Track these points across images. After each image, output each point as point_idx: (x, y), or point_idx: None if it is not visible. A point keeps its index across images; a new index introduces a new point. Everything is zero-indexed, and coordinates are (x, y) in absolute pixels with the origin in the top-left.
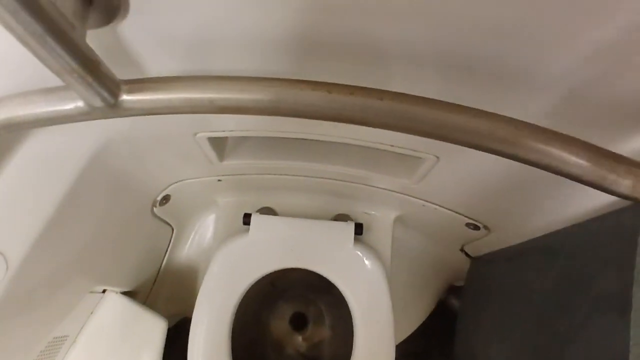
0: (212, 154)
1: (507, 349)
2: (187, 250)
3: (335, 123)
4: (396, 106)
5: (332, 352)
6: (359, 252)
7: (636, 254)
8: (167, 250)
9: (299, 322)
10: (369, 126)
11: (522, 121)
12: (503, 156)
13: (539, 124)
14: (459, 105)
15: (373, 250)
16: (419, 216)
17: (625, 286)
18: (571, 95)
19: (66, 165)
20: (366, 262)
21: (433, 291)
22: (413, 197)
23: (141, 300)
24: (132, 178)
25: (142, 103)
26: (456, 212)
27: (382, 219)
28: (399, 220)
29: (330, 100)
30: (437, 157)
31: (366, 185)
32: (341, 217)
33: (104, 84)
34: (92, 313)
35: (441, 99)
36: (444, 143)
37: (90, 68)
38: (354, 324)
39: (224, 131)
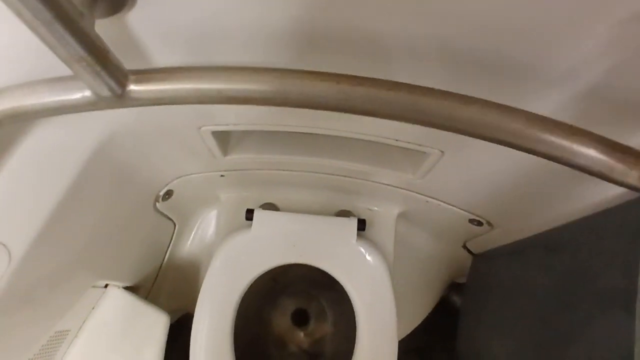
0: (215, 148)
1: (509, 344)
2: (189, 246)
3: (340, 116)
4: (404, 97)
5: (334, 348)
6: (361, 248)
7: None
8: (169, 246)
9: (300, 318)
10: (377, 117)
11: (531, 112)
12: (512, 147)
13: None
14: (467, 96)
15: (376, 246)
16: (422, 212)
17: (630, 281)
18: (579, 91)
19: (70, 158)
20: (369, 257)
21: (435, 288)
22: (416, 193)
23: (143, 295)
24: (136, 172)
25: (149, 93)
26: (459, 209)
27: (385, 215)
28: (401, 216)
29: (338, 90)
30: (442, 152)
31: (369, 181)
32: (344, 213)
33: (112, 73)
34: (94, 308)
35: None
36: (449, 137)
37: (99, 57)
38: (356, 320)
39: (228, 125)
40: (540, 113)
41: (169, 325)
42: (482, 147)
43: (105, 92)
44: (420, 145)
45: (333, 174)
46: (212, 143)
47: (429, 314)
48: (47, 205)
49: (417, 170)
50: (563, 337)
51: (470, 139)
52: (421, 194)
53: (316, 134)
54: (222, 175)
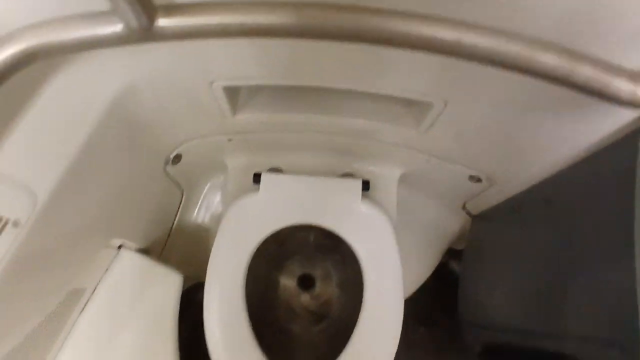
0: (225, 105)
1: (510, 294)
2: (196, 214)
3: (349, 68)
4: (417, 26)
5: (340, 310)
6: (366, 207)
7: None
8: (176, 214)
9: (307, 282)
10: (393, 46)
11: (526, 35)
12: (513, 69)
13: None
14: (470, 24)
15: (380, 206)
16: (423, 173)
17: (626, 221)
18: (573, 13)
19: (89, 107)
20: (374, 216)
21: (434, 252)
22: (418, 151)
23: None
24: (148, 130)
25: (176, 28)
26: (460, 165)
27: (387, 178)
28: (402, 180)
29: (356, 19)
30: (445, 102)
31: (372, 140)
32: (347, 176)
33: (142, 5)
34: (107, 269)
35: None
36: (453, 87)
37: None
38: (363, 278)
39: (239, 79)
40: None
41: (182, 284)
42: (485, 94)
43: (135, 26)
44: (424, 95)
45: (338, 134)
46: (222, 100)
47: (429, 281)
48: (69, 153)
49: (419, 124)
50: (563, 282)
51: (474, 87)
52: (422, 152)
53: (324, 89)
54: (229, 140)
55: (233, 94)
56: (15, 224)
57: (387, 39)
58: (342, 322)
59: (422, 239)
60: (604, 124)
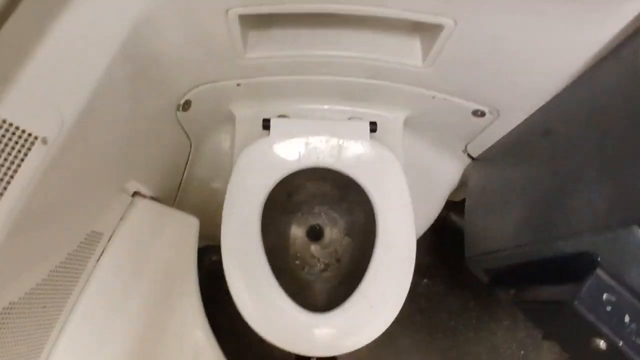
0: (238, 39)
1: (510, 220)
2: (205, 167)
3: None
4: None
5: (350, 256)
6: (375, 146)
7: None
8: (185, 167)
9: (316, 233)
10: None
11: None
12: None
13: None
14: None
15: (387, 146)
16: (427, 115)
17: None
18: None
19: (110, 34)
20: (383, 155)
21: (438, 198)
22: (424, 87)
23: None
24: (161, 69)
25: None
26: (464, 99)
27: (393, 121)
28: (407, 124)
29: None
30: (455, 22)
31: (379, 79)
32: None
33: None
34: (123, 216)
35: None
36: (464, 3)
37: None
38: (375, 215)
39: (254, 4)
40: None
41: (199, 227)
42: (494, 10)
43: None
44: (434, 14)
45: (345, 74)
46: (236, 31)
47: (430, 234)
48: (92, 79)
49: (427, 56)
50: (563, 195)
51: (485, 3)
52: (428, 88)
53: (333, 22)
54: (238, 85)
55: (246, 25)
56: (44, 141)
57: None
58: (353, 266)
59: (426, 185)
60: (601, 30)
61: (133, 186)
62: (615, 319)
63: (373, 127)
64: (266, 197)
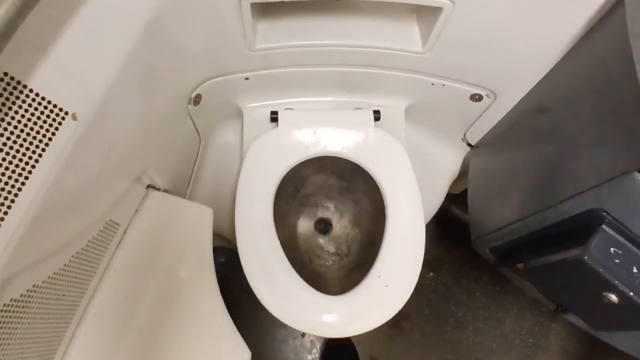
0: (249, 28)
1: (511, 197)
2: (213, 167)
3: None
4: None
5: (359, 246)
6: (379, 133)
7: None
8: (195, 163)
9: (324, 226)
10: None
11: None
12: None
13: None
14: None
15: (391, 133)
16: (427, 103)
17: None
18: None
19: (134, 17)
20: (388, 141)
21: (439, 187)
22: (423, 74)
23: None
24: (176, 60)
25: None
26: (463, 83)
27: (395, 109)
28: (408, 115)
29: None
30: (453, 2)
31: (380, 67)
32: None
33: None
34: (138, 208)
35: None
36: None
37: None
38: (385, 200)
39: None
40: None
41: (212, 216)
42: None
43: None
44: None
45: (348, 64)
46: (247, 19)
47: (433, 227)
48: (118, 59)
49: (426, 41)
50: (565, 162)
51: None
52: (427, 75)
53: (337, 7)
54: (246, 78)
55: (255, 15)
56: (74, 117)
57: None
58: (362, 256)
59: (427, 175)
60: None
61: (147, 177)
62: (624, 271)
63: (377, 115)
64: (277, 185)
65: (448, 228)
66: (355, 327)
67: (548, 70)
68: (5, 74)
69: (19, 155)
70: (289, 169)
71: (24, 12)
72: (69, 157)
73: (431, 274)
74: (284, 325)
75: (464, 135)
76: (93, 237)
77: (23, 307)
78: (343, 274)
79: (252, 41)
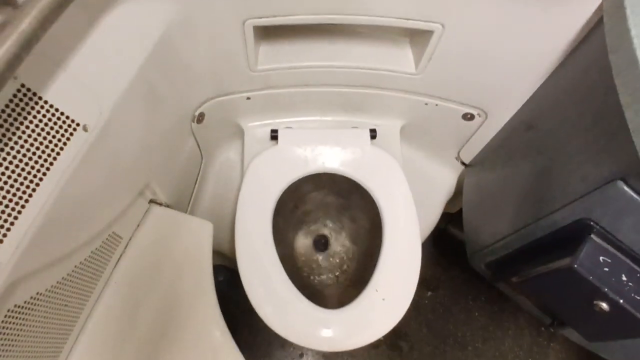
0: (251, 49)
1: (503, 212)
2: (214, 185)
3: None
4: None
5: (357, 263)
6: (376, 151)
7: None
8: (196, 181)
9: (322, 243)
10: None
11: None
12: None
13: None
14: None
15: (387, 151)
16: (421, 122)
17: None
18: None
19: (145, 35)
20: (384, 158)
21: (435, 206)
22: (417, 94)
23: None
24: (182, 78)
25: None
26: (455, 103)
27: (390, 129)
28: (403, 135)
29: None
30: (443, 26)
31: (376, 87)
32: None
33: None
34: (140, 222)
35: None
36: (450, 8)
37: None
38: (380, 213)
39: (268, 17)
40: None
41: (212, 230)
42: (477, 15)
43: None
44: (424, 21)
45: (345, 84)
46: (250, 41)
47: (431, 247)
48: (128, 74)
49: (419, 61)
50: (553, 173)
51: (468, 6)
52: (420, 95)
53: (333, 36)
54: (248, 98)
55: (258, 38)
56: (85, 128)
57: None
58: (360, 273)
59: (423, 194)
60: (570, 23)
61: (150, 192)
62: (613, 279)
63: (373, 134)
64: (277, 200)
65: (446, 247)
66: (354, 341)
67: (535, 88)
68: (23, 85)
69: (31, 163)
70: (288, 185)
71: (46, 26)
72: (78, 167)
73: (429, 293)
74: (282, 346)
75: (458, 154)
76: (96, 249)
77: (26, 314)
78: (341, 290)
79: (254, 62)
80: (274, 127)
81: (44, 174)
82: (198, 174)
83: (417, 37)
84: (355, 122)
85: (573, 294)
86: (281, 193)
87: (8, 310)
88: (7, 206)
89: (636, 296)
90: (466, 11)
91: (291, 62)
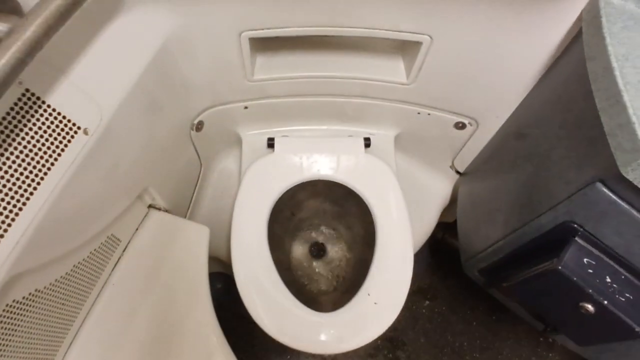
0: (248, 60)
1: (495, 219)
2: (212, 192)
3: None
4: None
5: (353, 270)
6: (370, 158)
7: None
8: (195, 188)
9: (318, 250)
10: None
11: None
12: None
13: None
14: None
15: (381, 159)
16: (414, 131)
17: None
18: None
19: (145, 47)
20: (377, 165)
21: (430, 216)
22: (409, 103)
23: None
24: (181, 87)
25: None
26: (446, 112)
27: (384, 137)
28: (397, 145)
29: None
30: (431, 38)
31: (369, 97)
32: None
33: None
34: (139, 227)
35: None
36: (437, 21)
37: None
38: (374, 219)
39: (263, 30)
40: None
41: (209, 235)
42: (464, 27)
43: None
44: (413, 33)
45: (339, 94)
46: (246, 52)
47: (428, 256)
48: (128, 82)
49: (409, 73)
50: (540, 178)
51: (454, 19)
52: (413, 105)
53: (327, 49)
54: (245, 107)
55: (254, 49)
56: (86, 132)
57: None
58: (355, 279)
59: (418, 203)
60: (552, 33)
61: (149, 196)
62: (597, 281)
63: (367, 142)
64: (272, 205)
65: (443, 256)
66: (348, 344)
67: (523, 97)
68: (27, 90)
69: (33, 162)
70: (284, 191)
71: (50, 34)
72: (78, 168)
73: (427, 302)
74: (279, 355)
75: (452, 162)
76: (95, 249)
77: (24, 309)
78: (337, 296)
79: (250, 73)
80: (271, 136)
81: (45, 173)
82: (197, 181)
83: (408, 48)
84: (350, 131)
85: (559, 296)
86: (277, 199)
87: (7, 305)
88: (8, 203)
89: (620, 297)
90: (453, 24)
91: (287, 73)
